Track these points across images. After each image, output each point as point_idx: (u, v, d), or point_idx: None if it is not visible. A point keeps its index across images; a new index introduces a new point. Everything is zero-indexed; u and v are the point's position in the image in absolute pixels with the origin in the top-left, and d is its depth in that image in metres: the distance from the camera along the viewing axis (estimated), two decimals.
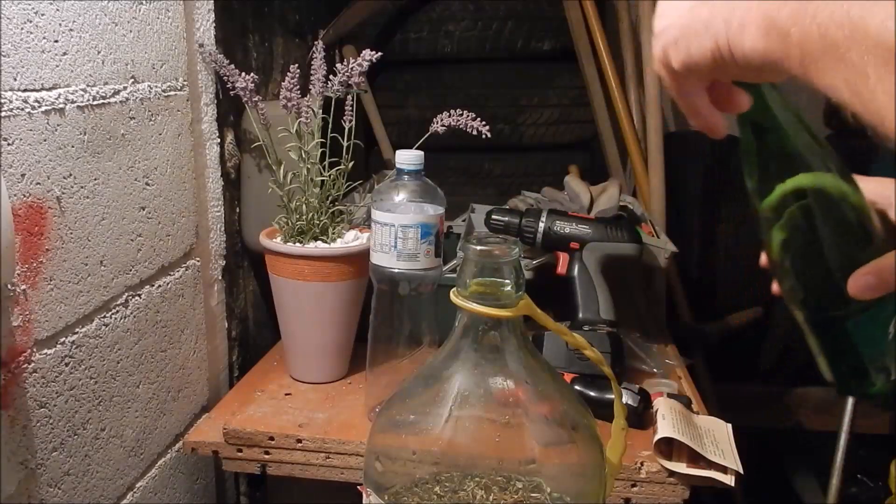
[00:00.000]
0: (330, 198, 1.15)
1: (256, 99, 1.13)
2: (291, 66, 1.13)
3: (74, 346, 0.84)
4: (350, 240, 1.16)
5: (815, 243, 0.54)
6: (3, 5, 0.72)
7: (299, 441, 1.02)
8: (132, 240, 0.95)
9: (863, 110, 0.40)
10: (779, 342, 1.94)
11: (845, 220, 0.54)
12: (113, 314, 0.92)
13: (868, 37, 0.38)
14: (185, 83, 1.07)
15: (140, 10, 0.95)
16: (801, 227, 0.55)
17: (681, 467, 0.94)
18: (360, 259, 1.10)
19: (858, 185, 0.54)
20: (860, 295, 0.51)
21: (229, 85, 1.14)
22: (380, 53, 1.12)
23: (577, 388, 1.04)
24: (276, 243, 1.12)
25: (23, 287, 0.75)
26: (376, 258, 0.99)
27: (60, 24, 0.80)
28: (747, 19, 0.44)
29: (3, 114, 0.72)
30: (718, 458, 0.94)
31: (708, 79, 0.50)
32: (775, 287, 0.60)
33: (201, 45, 1.12)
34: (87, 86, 0.85)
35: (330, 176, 1.15)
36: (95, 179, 0.87)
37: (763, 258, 0.60)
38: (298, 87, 1.13)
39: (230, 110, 1.24)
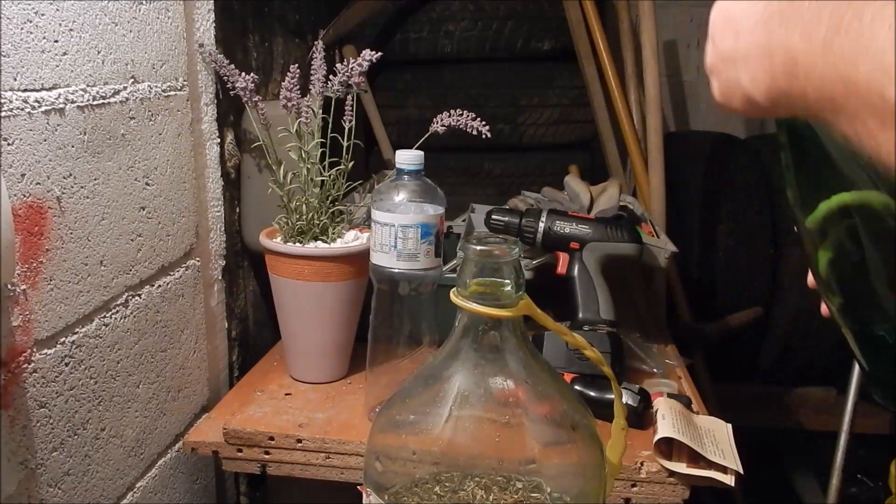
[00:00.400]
0: (330, 198, 1.15)
1: (256, 99, 1.14)
2: (291, 66, 1.13)
3: (74, 346, 0.84)
4: (350, 240, 1.16)
5: (863, 260, 0.52)
6: (3, 5, 0.72)
7: (299, 441, 1.02)
8: (132, 240, 0.95)
9: (874, 158, 0.40)
10: (779, 342, 1.94)
11: (893, 236, 0.51)
12: (113, 314, 0.92)
13: (859, 89, 0.38)
14: (185, 83, 1.07)
15: (140, 10, 0.95)
16: (847, 245, 0.53)
17: (681, 467, 0.94)
18: (360, 259, 1.10)
19: None
20: None
21: (229, 85, 1.14)
22: (380, 53, 1.12)
23: (577, 388, 1.04)
24: (276, 243, 1.12)
25: (23, 287, 0.75)
26: (376, 258, 0.99)
27: (60, 24, 0.80)
28: (755, 79, 0.45)
29: (3, 114, 0.72)
30: (718, 458, 0.94)
31: None
32: (824, 308, 0.59)
33: (201, 45, 1.12)
34: (87, 86, 0.85)
35: (330, 176, 1.15)
36: (95, 179, 0.87)
37: (810, 278, 0.59)
38: (298, 87, 1.13)
39: (230, 110, 1.24)
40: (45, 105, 0.78)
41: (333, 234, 1.15)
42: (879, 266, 0.52)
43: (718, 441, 0.98)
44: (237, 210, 1.30)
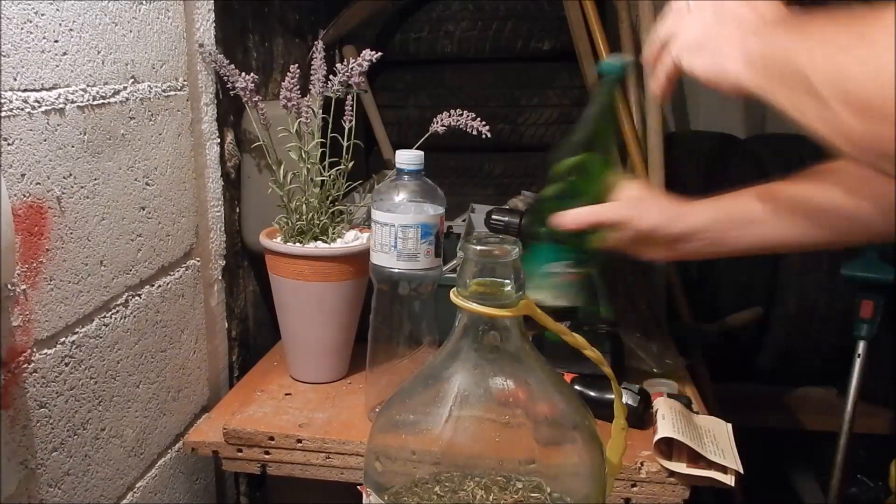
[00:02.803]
0: (330, 198, 1.15)
1: (256, 99, 1.14)
2: (291, 66, 1.13)
3: (74, 346, 0.84)
4: (350, 240, 1.16)
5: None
6: (3, 5, 0.72)
7: (299, 441, 1.02)
8: (132, 240, 0.95)
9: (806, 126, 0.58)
10: (779, 342, 1.94)
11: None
12: (113, 314, 0.92)
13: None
14: (185, 83, 1.07)
15: (140, 10, 0.95)
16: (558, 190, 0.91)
17: (681, 467, 0.94)
18: (360, 259, 1.10)
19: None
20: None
21: (229, 85, 1.14)
22: (380, 53, 1.12)
23: (577, 388, 1.04)
24: (276, 243, 1.12)
25: (23, 287, 0.75)
26: (376, 258, 0.99)
27: (60, 24, 0.80)
28: (732, 53, 0.63)
29: (3, 114, 0.72)
30: (718, 458, 0.94)
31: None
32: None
33: (201, 45, 1.12)
34: (87, 86, 0.85)
35: (330, 176, 1.15)
36: (95, 179, 0.87)
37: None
38: (298, 87, 1.13)
39: (230, 110, 1.24)
40: (45, 105, 0.78)
41: (333, 234, 1.15)
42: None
43: (718, 441, 0.98)
44: (237, 210, 1.30)
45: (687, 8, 0.71)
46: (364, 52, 1.12)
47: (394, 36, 1.80)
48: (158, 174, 1.01)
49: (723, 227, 0.91)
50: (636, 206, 0.92)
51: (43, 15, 0.78)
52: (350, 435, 1.01)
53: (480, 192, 1.79)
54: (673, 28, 0.73)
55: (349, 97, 1.15)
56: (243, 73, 1.13)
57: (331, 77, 1.14)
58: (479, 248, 0.63)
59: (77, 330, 0.85)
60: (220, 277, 1.23)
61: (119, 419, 0.94)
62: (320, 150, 1.14)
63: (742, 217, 0.90)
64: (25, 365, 0.76)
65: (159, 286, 1.03)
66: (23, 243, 0.75)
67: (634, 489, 0.96)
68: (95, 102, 0.86)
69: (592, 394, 1.02)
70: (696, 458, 0.94)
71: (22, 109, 0.74)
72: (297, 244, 1.12)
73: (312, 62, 1.15)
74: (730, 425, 1.02)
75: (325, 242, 1.14)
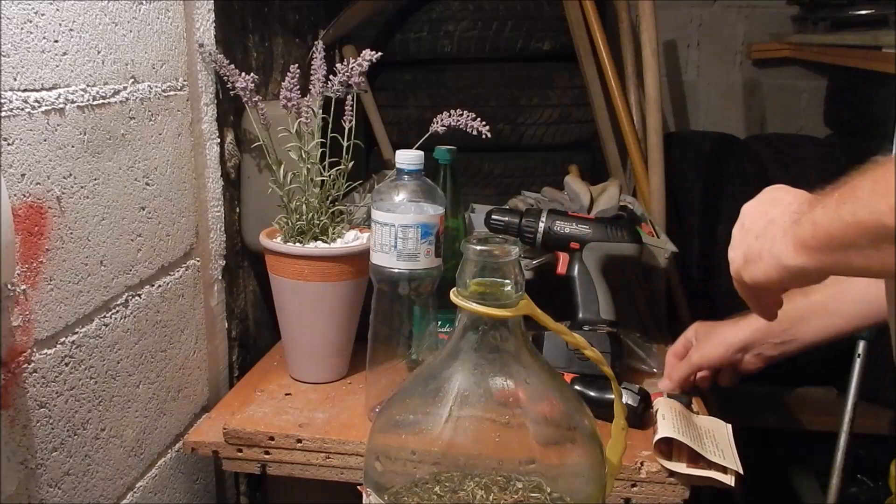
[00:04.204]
0: (330, 198, 1.15)
1: (256, 99, 1.14)
2: (291, 66, 1.13)
3: (74, 346, 0.84)
4: (350, 240, 1.16)
5: None
6: (3, 5, 0.72)
7: (299, 441, 1.02)
8: (132, 240, 0.95)
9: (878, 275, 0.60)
10: None
11: None
12: (113, 314, 0.92)
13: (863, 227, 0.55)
14: (185, 83, 1.07)
15: (140, 10, 0.95)
16: None
17: (681, 467, 0.94)
18: (360, 259, 1.10)
19: None
20: None
21: (229, 85, 1.14)
22: (380, 53, 1.12)
23: (577, 388, 1.04)
24: (276, 243, 1.12)
25: (23, 287, 0.75)
26: (376, 258, 1.00)
27: (60, 24, 0.80)
28: (782, 247, 0.63)
29: (3, 114, 0.72)
30: (718, 458, 0.94)
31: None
32: None
33: (201, 45, 1.12)
34: (87, 86, 0.85)
35: (330, 176, 1.15)
36: (95, 179, 0.87)
37: None
38: (298, 87, 1.13)
39: (230, 110, 1.24)
40: (45, 105, 0.78)
41: (333, 234, 1.15)
42: None
43: (718, 441, 0.98)
44: (237, 210, 1.30)
45: (740, 227, 0.73)
46: (364, 52, 1.12)
47: (394, 36, 1.80)
48: (158, 174, 1.01)
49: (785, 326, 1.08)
50: (699, 347, 1.12)
51: (43, 15, 0.78)
52: (350, 435, 1.02)
53: (480, 192, 1.79)
54: (729, 254, 0.75)
55: (349, 97, 1.15)
56: (243, 73, 1.13)
57: (331, 77, 1.14)
58: (479, 248, 0.63)
59: (77, 330, 0.85)
60: (220, 277, 1.23)
61: (119, 419, 0.94)
62: (320, 150, 1.14)
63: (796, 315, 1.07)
64: (25, 365, 0.76)
65: (159, 286, 1.03)
66: (23, 243, 0.75)
67: (634, 489, 0.96)
68: (95, 102, 0.86)
69: (592, 394, 1.02)
70: (696, 459, 0.94)
71: (22, 109, 0.74)
72: (297, 244, 1.12)
73: (312, 62, 1.15)
74: (730, 425, 1.02)
75: (325, 242, 1.14)
